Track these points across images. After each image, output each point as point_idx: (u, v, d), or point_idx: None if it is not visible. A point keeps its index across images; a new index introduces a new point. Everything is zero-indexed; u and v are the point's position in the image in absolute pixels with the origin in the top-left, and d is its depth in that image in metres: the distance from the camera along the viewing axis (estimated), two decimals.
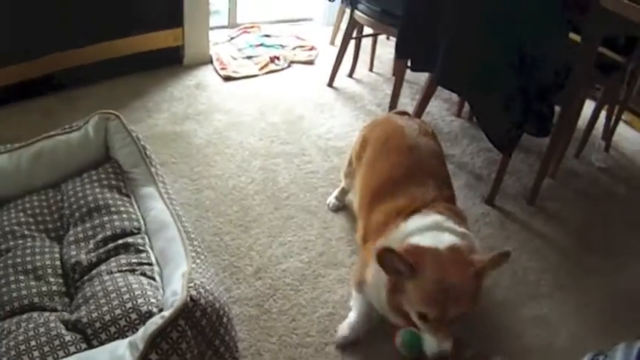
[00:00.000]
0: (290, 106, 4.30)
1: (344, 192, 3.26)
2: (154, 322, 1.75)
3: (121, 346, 1.76)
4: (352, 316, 2.53)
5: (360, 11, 4.19)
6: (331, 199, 3.30)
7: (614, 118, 4.29)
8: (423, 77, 4.44)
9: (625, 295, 3.04)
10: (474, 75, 3.30)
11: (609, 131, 4.35)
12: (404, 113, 3.03)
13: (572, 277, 3.10)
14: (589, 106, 4.07)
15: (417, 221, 2.24)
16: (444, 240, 2.09)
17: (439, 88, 3.76)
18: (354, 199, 2.97)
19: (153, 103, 4.15)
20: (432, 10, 3.40)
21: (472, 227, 3.07)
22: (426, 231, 2.16)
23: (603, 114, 4.26)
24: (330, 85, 4.67)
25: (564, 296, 2.97)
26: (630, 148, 4.51)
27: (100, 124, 2.73)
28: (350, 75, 4.88)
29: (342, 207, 3.30)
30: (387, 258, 1.97)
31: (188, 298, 1.83)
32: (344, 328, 2.51)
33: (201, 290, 1.89)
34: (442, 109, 4.50)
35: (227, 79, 4.60)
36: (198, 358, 1.88)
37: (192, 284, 1.90)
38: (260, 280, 2.80)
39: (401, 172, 2.51)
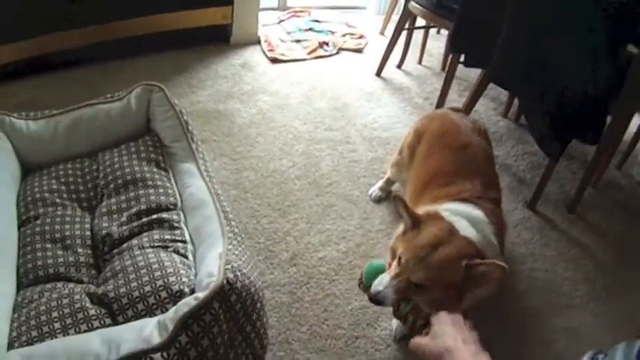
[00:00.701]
0: (337, 93, 4.26)
1: (389, 182, 3.25)
2: (187, 304, 1.69)
3: (149, 324, 1.69)
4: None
5: (415, 1, 4.12)
6: (374, 190, 3.28)
7: None
8: (471, 74, 4.42)
9: None
10: (528, 75, 3.22)
11: None
12: (458, 110, 3.01)
13: (607, 291, 3.01)
14: (636, 119, 3.95)
15: (459, 205, 2.28)
16: (466, 230, 2.11)
17: (489, 86, 3.71)
18: (403, 190, 3.01)
19: (197, 79, 4.15)
20: (491, 6, 3.33)
21: (512, 231, 3.13)
22: (460, 216, 2.18)
23: None
24: (378, 74, 4.62)
25: (598, 310, 2.89)
26: None
27: (143, 95, 2.68)
28: (399, 66, 4.82)
29: (384, 198, 3.27)
30: (396, 204, 2.29)
31: (225, 281, 1.77)
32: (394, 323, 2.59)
33: (238, 273, 1.84)
34: (489, 108, 4.41)
35: (274, 61, 4.58)
36: (228, 343, 1.82)
37: (229, 266, 1.84)
38: (295, 267, 2.78)
39: (453, 167, 2.53)
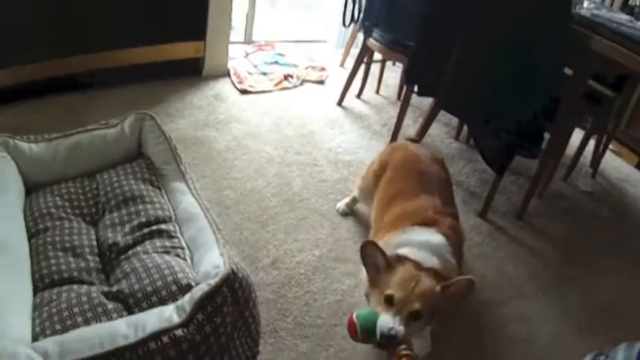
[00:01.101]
0: (303, 121, 4.56)
1: (354, 201, 3.52)
2: (201, 289, 1.95)
3: (168, 309, 1.92)
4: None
5: (374, 39, 4.49)
6: (341, 205, 3.55)
7: (601, 147, 4.58)
8: (424, 102, 4.79)
9: (600, 303, 3.28)
10: (474, 102, 3.62)
11: (597, 159, 4.64)
12: (414, 140, 3.39)
13: (553, 285, 3.35)
14: (580, 134, 4.40)
15: (419, 233, 2.58)
16: (430, 261, 2.39)
17: (440, 113, 4.10)
18: (368, 209, 3.30)
19: (174, 109, 4.37)
20: (441, 44, 3.71)
21: (466, 236, 3.31)
22: (421, 248, 2.47)
23: (593, 143, 4.58)
24: (339, 104, 4.95)
25: (546, 300, 3.22)
26: (616, 177, 4.80)
27: (136, 123, 2.89)
28: (358, 96, 5.17)
29: (349, 213, 3.55)
30: (369, 250, 2.31)
31: (230, 270, 2.05)
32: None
33: (238, 267, 2.10)
34: (442, 132, 4.80)
35: (244, 92, 4.86)
36: (233, 324, 2.04)
37: (232, 260, 2.11)
38: (277, 270, 3.03)
39: (413, 192, 2.85)
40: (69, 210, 2.56)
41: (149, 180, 2.75)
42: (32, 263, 2.27)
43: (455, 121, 4.81)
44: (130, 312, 2.06)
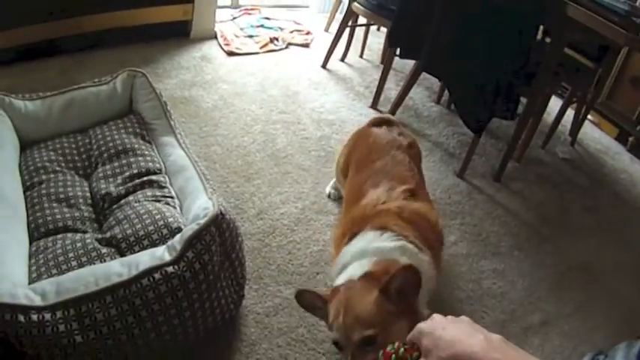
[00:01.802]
0: (287, 82, 4.67)
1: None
2: (190, 228, 2.04)
3: (159, 249, 2.03)
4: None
5: (359, 3, 4.58)
6: (330, 190, 3.44)
7: (580, 117, 4.68)
8: (407, 67, 4.87)
9: (574, 262, 3.38)
10: (454, 63, 3.74)
11: (576, 128, 4.74)
12: (386, 121, 3.06)
13: (529, 243, 3.45)
14: (556, 103, 4.55)
15: (353, 246, 2.25)
16: (363, 266, 2.09)
17: (422, 77, 4.21)
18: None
19: (162, 69, 4.46)
20: (422, 7, 3.82)
21: (443, 195, 3.55)
22: (356, 259, 2.17)
23: (572, 113, 4.70)
24: (323, 66, 5.04)
25: (522, 256, 3.32)
26: (594, 146, 4.90)
27: (127, 80, 3.00)
28: (342, 59, 5.26)
29: (339, 195, 3.37)
30: (304, 298, 2.10)
31: (218, 211, 2.12)
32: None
33: (225, 209, 2.18)
34: (424, 96, 4.90)
35: (230, 54, 4.94)
36: (220, 264, 2.16)
37: (219, 203, 2.20)
38: (261, 220, 3.13)
39: (365, 183, 2.58)
40: (63, 164, 2.67)
41: (140, 134, 2.85)
42: (28, 214, 2.38)
43: (436, 85, 4.92)
44: (123, 255, 2.17)
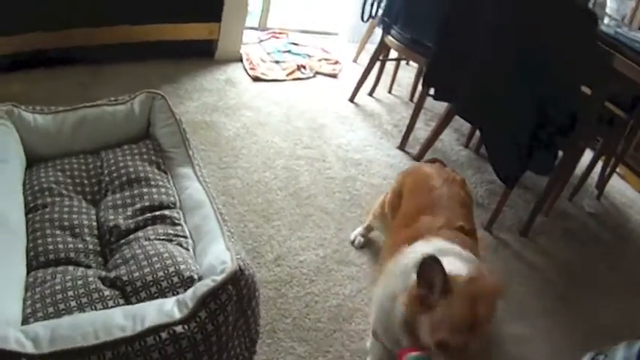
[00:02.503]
0: (314, 114, 4.52)
1: (369, 228, 3.28)
2: (205, 284, 1.87)
3: (168, 302, 1.85)
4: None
5: (392, 36, 4.42)
6: (356, 235, 3.28)
7: (609, 169, 4.52)
8: (437, 106, 4.68)
9: (601, 326, 3.21)
10: (491, 110, 3.55)
11: (603, 181, 4.58)
12: (435, 161, 3.07)
13: (555, 305, 3.28)
14: (588, 155, 4.34)
15: (426, 245, 2.17)
16: (455, 266, 1.97)
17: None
18: (385, 238, 3.02)
19: (184, 90, 4.32)
20: (464, 47, 3.64)
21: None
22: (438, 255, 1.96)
23: (600, 165, 4.52)
24: (351, 100, 4.88)
25: (547, 320, 3.15)
26: (620, 200, 4.72)
27: (146, 101, 2.83)
28: (370, 94, 5.10)
29: (365, 243, 3.28)
30: (430, 267, 1.85)
31: (238, 267, 1.97)
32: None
33: (245, 264, 1.99)
34: (452, 138, 4.72)
35: (256, 79, 4.80)
36: (234, 323, 1.98)
37: (239, 256, 2.05)
38: (279, 267, 2.97)
39: (421, 208, 2.53)
40: (70, 187, 2.50)
41: (155, 162, 2.68)
42: (28, 240, 2.21)
43: (466, 128, 4.76)
44: (127, 301, 1.99)
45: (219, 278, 1.90)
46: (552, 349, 2.98)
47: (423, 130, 4.62)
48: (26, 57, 3.92)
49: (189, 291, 1.90)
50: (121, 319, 1.77)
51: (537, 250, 3.71)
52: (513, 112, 3.43)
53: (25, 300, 1.95)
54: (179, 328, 1.79)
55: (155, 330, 1.76)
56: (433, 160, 3.09)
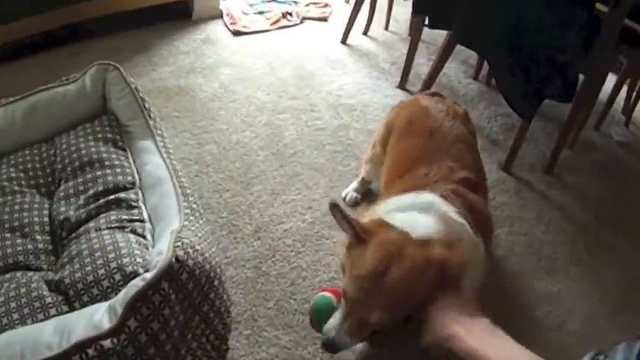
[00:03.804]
0: (301, 62, 4.20)
1: (364, 183, 3.00)
2: (135, 285, 1.62)
3: (100, 309, 1.65)
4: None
5: None
6: (349, 191, 3.02)
7: (635, 93, 4.17)
8: (440, 38, 4.25)
9: (638, 275, 2.91)
10: (495, 34, 3.17)
11: (630, 106, 4.22)
12: (435, 94, 2.78)
13: (588, 253, 2.97)
14: (611, 80, 3.91)
15: (407, 198, 2.01)
16: (419, 226, 1.78)
17: (457, 49, 3.64)
18: (380, 185, 2.68)
19: (158, 56, 4.08)
20: None
21: (489, 198, 2.95)
22: (409, 210, 1.91)
23: (625, 89, 4.14)
24: (343, 42, 4.55)
25: (580, 273, 2.86)
26: None
27: (98, 75, 2.64)
28: (365, 33, 4.75)
29: (360, 200, 3.01)
30: (334, 213, 1.79)
31: (173, 259, 1.70)
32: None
33: (190, 250, 1.78)
34: (459, 71, 4.36)
35: (237, 33, 4.51)
36: (183, 325, 1.77)
37: (179, 243, 1.77)
38: (259, 240, 2.72)
39: (418, 154, 2.30)
40: (23, 182, 2.37)
41: (112, 140, 2.50)
42: None
43: (473, 58, 4.37)
44: (71, 306, 1.83)
45: (149, 276, 1.64)
46: (585, 310, 2.69)
47: (425, 66, 4.25)
48: None
49: (121, 293, 1.67)
50: (49, 335, 1.59)
51: (565, 190, 3.38)
52: (522, 33, 3.08)
53: None
54: (107, 343, 1.57)
55: (81, 346, 1.56)
56: (432, 94, 2.79)
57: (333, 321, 1.71)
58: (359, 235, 1.72)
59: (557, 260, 2.90)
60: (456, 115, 2.49)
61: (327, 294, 1.89)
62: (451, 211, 1.93)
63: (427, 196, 1.97)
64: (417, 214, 1.86)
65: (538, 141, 3.71)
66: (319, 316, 1.83)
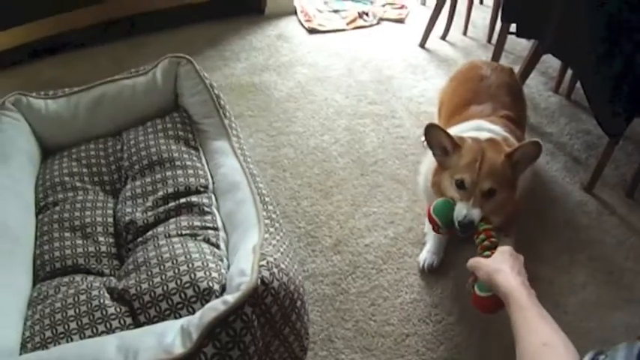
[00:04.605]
0: (379, 65, 4.07)
1: None
2: (214, 308, 1.48)
3: (172, 329, 1.52)
4: (428, 244, 2.71)
5: None
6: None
7: None
8: (517, 47, 4.27)
9: None
10: (590, 44, 2.95)
11: None
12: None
13: None
14: None
15: (463, 125, 2.56)
16: (482, 135, 2.37)
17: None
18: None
19: (230, 52, 4.01)
20: None
21: (569, 217, 3.05)
22: (469, 131, 2.44)
23: None
24: (422, 46, 4.40)
25: None
26: None
27: (170, 68, 2.56)
28: (443, 37, 4.58)
29: None
30: (433, 132, 2.25)
31: (259, 282, 1.57)
32: (423, 255, 2.64)
33: (275, 270, 1.64)
34: (539, 82, 4.13)
35: (312, 31, 4.41)
36: (262, 350, 1.64)
37: (264, 262, 1.64)
38: (339, 255, 2.63)
39: (471, 96, 2.82)
40: (86, 178, 2.30)
41: (184, 138, 2.41)
42: (36, 245, 2.05)
43: (554, 70, 4.13)
44: (135, 319, 1.71)
45: (231, 299, 1.50)
46: None
47: None
48: (56, 41, 3.78)
49: (196, 315, 1.54)
50: (113, 354, 1.46)
51: None
52: (619, 42, 2.84)
53: (26, 319, 1.77)
54: None
55: None
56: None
57: (460, 205, 2.17)
58: (456, 143, 2.24)
59: (638, 290, 2.73)
60: (503, 70, 3.01)
61: (440, 199, 2.26)
62: (498, 129, 2.49)
63: (479, 122, 2.55)
64: (474, 132, 2.41)
65: (618, 161, 3.47)
66: (443, 212, 2.19)
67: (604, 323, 2.51)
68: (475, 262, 1.81)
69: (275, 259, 1.67)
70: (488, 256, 1.86)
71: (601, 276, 2.72)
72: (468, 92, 2.86)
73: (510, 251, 1.79)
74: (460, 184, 2.19)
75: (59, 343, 1.61)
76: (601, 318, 2.53)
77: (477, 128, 2.48)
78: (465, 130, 2.47)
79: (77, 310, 1.69)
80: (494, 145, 2.28)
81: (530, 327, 1.47)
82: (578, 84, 3.65)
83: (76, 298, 1.73)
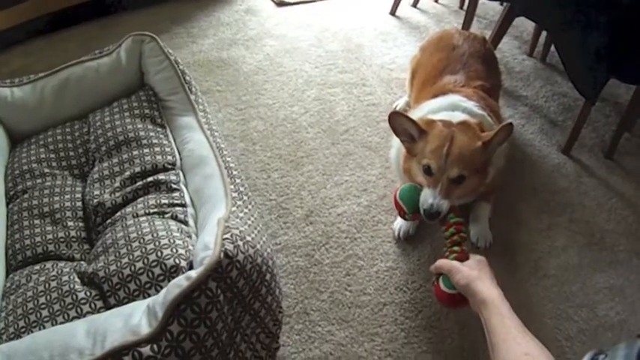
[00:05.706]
0: (349, 34, 4.08)
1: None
2: (177, 285, 1.44)
3: (138, 310, 1.48)
4: None
5: None
6: (400, 103, 3.31)
7: None
8: (490, 11, 4.29)
9: None
10: (563, 5, 2.95)
11: None
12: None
13: None
14: None
15: (437, 101, 2.52)
16: (456, 117, 2.33)
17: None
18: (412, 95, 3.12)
19: (197, 28, 4.01)
20: None
21: (547, 180, 3.06)
22: (442, 110, 2.41)
23: None
24: (392, 13, 4.40)
25: None
26: None
27: (134, 47, 2.55)
28: (414, 4, 4.58)
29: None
30: (397, 120, 2.24)
31: (222, 255, 1.51)
32: (398, 222, 2.62)
33: (240, 243, 1.59)
34: (513, 46, 4.14)
35: (280, 4, 4.40)
36: (231, 326, 1.61)
37: (228, 235, 1.59)
38: (311, 226, 2.61)
39: (443, 66, 2.79)
40: (54, 163, 2.32)
41: (150, 117, 2.40)
42: (7, 236, 2.06)
43: (527, 33, 4.17)
44: (106, 302, 1.71)
45: (194, 274, 1.46)
46: None
47: None
48: (23, 29, 3.79)
49: (161, 293, 1.49)
50: (82, 339, 1.44)
51: (626, 176, 3.13)
52: (591, 3, 2.84)
53: (0, 311, 1.77)
54: (146, 350, 1.39)
55: (117, 354, 1.39)
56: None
57: (427, 192, 2.15)
58: (422, 128, 2.22)
59: (620, 252, 2.70)
60: (476, 38, 2.99)
61: (406, 185, 2.26)
62: (473, 107, 2.45)
63: (453, 98, 2.50)
64: (448, 112, 2.39)
65: (596, 123, 3.48)
66: (410, 198, 2.18)
67: (587, 286, 2.51)
68: (452, 267, 1.81)
69: (240, 231, 1.63)
70: (456, 252, 1.90)
71: (582, 239, 2.73)
72: (440, 62, 2.83)
73: (486, 262, 1.81)
74: (427, 170, 2.18)
75: (32, 332, 1.60)
76: (584, 281, 2.53)
77: (452, 107, 2.42)
78: (439, 108, 2.43)
79: (48, 298, 1.69)
80: (466, 128, 2.25)
81: (510, 335, 1.48)
82: (553, 47, 3.67)
83: (47, 285, 1.73)
